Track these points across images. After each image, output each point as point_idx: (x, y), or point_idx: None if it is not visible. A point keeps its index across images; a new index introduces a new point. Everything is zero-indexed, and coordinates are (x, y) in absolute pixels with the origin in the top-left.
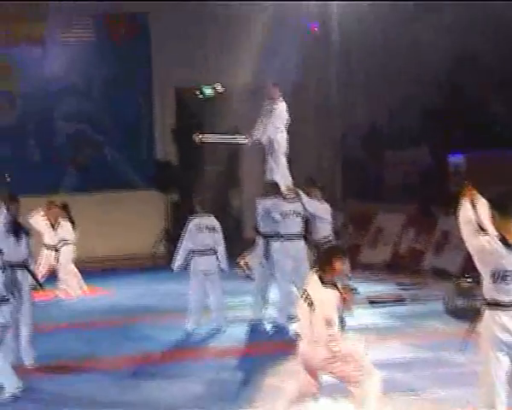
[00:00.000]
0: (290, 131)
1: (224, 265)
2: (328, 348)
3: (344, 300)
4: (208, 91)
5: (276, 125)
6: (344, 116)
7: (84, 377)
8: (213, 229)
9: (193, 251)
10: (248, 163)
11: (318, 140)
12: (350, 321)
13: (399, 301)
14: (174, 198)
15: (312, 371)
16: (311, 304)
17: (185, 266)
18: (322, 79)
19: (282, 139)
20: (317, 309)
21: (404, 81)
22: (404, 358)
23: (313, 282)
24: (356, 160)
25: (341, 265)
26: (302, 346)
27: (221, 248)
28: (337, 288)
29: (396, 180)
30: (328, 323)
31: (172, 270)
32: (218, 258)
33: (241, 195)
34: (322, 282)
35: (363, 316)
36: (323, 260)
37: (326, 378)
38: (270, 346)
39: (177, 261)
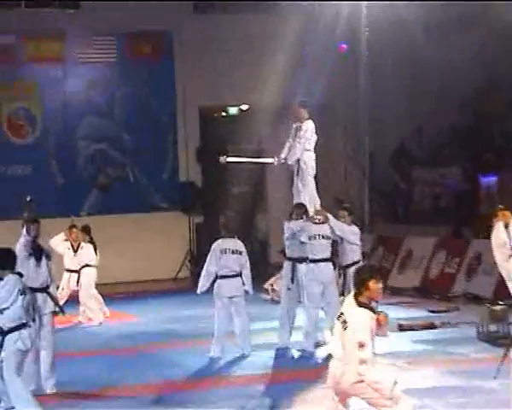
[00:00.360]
0: (317, 151)
1: (249, 288)
2: (358, 371)
3: (378, 322)
4: (233, 110)
5: (304, 145)
6: (372, 135)
7: (107, 405)
8: (238, 252)
9: (217, 275)
10: (275, 184)
11: (346, 160)
12: (379, 347)
13: (430, 327)
14: (198, 220)
15: (341, 394)
16: (344, 324)
17: (210, 290)
18: (351, 98)
19: (309, 160)
20: (349, 330)
21: (434, 99)
22: (435, 385)
23: (348, 302)
24: (384, 180)
25: (377, 285)
26: (332, 367)
27: (246, 271)
28: (372, 310)
29: (426, 201)
30: (361, 345)
31: (197, 294)
32: (243, 281)
33: (267, 217)
34: (358, 303)
35: (392, 342)
36: (358, 281)
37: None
38: (297, 373)
39: (202, 285)
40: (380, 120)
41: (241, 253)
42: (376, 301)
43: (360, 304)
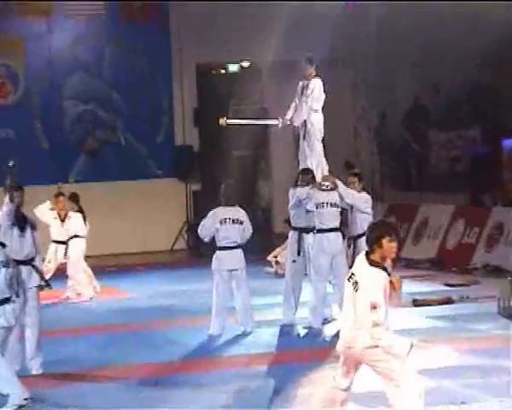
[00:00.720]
0: (325, 111)
1: (248, 234)
2: (371, 335)
3: (391, 286)
4: (233, 68)
5: (311, 105)
6: (383, 92)
7: (98, 388)
8: (239, 221)
9: (216, 247)
10: (279, 148)
11: (355, 120)
12: (392, 323)
13: (447, 302)
14: (195, 187)
15: (351, 362)
16: (355, 285)
17: (208, 262)
18: (360, 52)
19: (317, 121)
20: (361, 291)
21: (453, 53)
22: (452, 364)
23: (360, 261)
24: (397, 142)
25: (391, 244)
26: (344, 331)
27: (247, 225)
28: (385, 270)
29: (442, 166)
30: (373, 306)
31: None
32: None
33: (270, 183)
34: (370, 262)
35: (406, 318)
36: (371, 238)
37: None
38: (302, 352)
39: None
40: (392, 76)
41: (242, 222)
42: (388, 274)
43: (372, 263)
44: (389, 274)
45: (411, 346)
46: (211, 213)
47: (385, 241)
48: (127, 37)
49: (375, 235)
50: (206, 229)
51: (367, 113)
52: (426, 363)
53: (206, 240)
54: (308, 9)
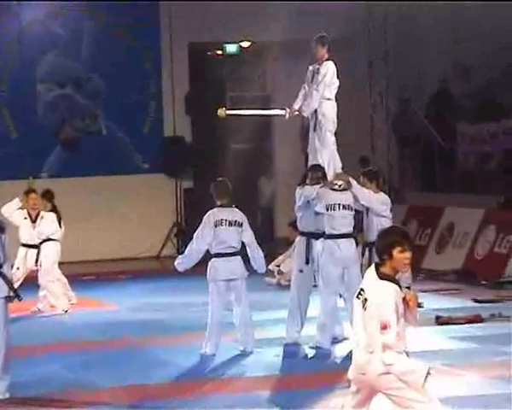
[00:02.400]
0: (338, 99)
1: (261, 265)
2: (383, 360)
3: (405, 303)
4: (231, 48)
5: (323, 92)
6: (404, 77)
7: None
8: (237, 223)
9: (213, 254)
10: (284, 141)
11: (372, 108)
12: (410, 344)
13: (475, 320)
14: (187, 185)
15: (365, 389)
16: (364, 302)
17: (200, 270)
18: (378, 32)
19: (329, 111)
20: (370, 309)
21: (484, 34)
22: (480, 393)
23: (369, 275)
24: (419, 135)
25: (403, 254)
26: (356, 355)
27: (252, 246)
28: (397, 283)
29: (471, 164)
30: (383, 326)
31: (176, 270)
32: (250, 259)
33: (273, 181)
34: (379, 275)
35: (427, 339)
36: (380, 248)
37: None
38: (309, 377)
39: (182, 261)
40: (414, 58)
41: (241, 225)
42: (408, 287)
43: (382, 276)
44: (401, 287)
45: (428, 373)
46: (205, 217)
47: (395, 251)
48: (109, 10)
49: (384, 244)
50: (203, 239)
51: (385, 100)
52: (450, 391)
53: (203, 250)
54: None
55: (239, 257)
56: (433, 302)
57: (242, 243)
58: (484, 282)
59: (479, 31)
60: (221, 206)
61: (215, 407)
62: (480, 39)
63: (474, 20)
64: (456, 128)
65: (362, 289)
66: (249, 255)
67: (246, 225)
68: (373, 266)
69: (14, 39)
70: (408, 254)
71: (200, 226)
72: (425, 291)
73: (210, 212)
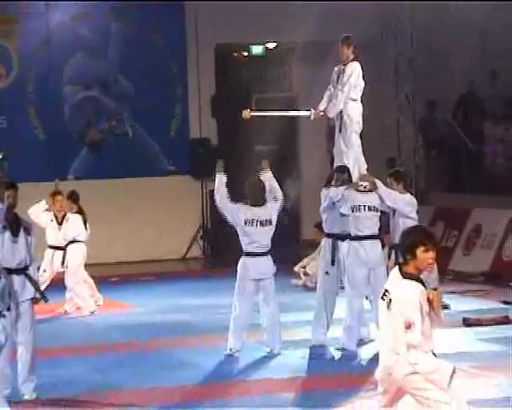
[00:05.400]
0: (364, 101)
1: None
2: (408, 360)
3: (429, 302)
4: (257, 50)
5: (349, 93)
6: (432, 79)
7: None
8: (268, 222)
9: (244, 253)
10: (310, 142)
11: (398, 111)
12: (437, 346)
13: (504, 322)
14: (213, 186)
15: (392, 390)
16: (389, 303)
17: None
18: (405, 33)
19: (354, 112)
20: (394, 308)
21: None
22: (509, 395)
23: (393, 275)
24: (447, 136)
25: (426, 254)
26: (383, 356)
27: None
28: (422, 282)
29: (499, 165)
30: (408, 325)
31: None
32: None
33: (299, 183)
34: (403, 274)
35: (455, 340)
36: (404, 247)
37: None
38: (335, 379)
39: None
40: (442, 59)
41: (271, 223)
42: (435, 289)
43: (406, 275)
44: (433, 289)
45: (454, 372)
46: (236, 206)
47: (419, 251)
48: (135, 12)
49: (408, 244)
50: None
51: (412, 102)
52: (477, 393)
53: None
54: None
55: (269, 256)
56: (461, 304)
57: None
58: None
59: (508, 33)
60: (252, 205)
61: (241, 408)
62: (509, 43)
63: (503, 22)
64: (484, 129)
65: (386, 290)
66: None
67: (274, 221)
68: (396, 266)
69: (42, 42)
70: (432, 254)
71: (230, 207)
72: (452, 293)
73: (242, 206)
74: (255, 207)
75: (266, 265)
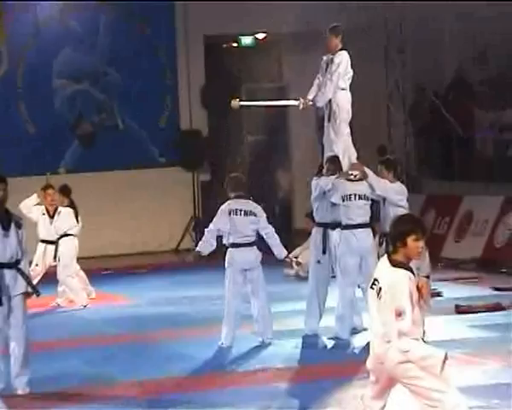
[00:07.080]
0: (353, 88)
1: (279, 251)
2: (399, 347)
3: (418, 289)
4: (247, 40)
5: (337, 82)
6: (422, 64)
7: (92, 408)
8: (252, 213)
9: (229, 244)
10: (300, 132)
11: (388, 97)
12: (429, 333)
13: (496, 308)
14: (204, 177)
15: (384, 380)
16: (379, 291)
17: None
18: (394, 19)
19: (343, 101)
20: (384, 296)
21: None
22: (501, 381)
23: (382, 263)
24: (437, 123)
25: (416, 243)
26: (374, 345)
27: (269, 232)
28: (411, 270)
29: (491, 151)
30: (398, 313)
31: (199, 253)
32: (270, 247)
33: (290, 173)
34: (392, 262)
35: (447, 327)
36: (394, 235)
37: None
38: (328, 367)
39: (204, 242)
40: (430, 46)
41: (255, 214)
42: (427, 276)
43: (395, 264)
44: (426, 277)
45: (445, 357)
46: (221, 207)
47: (410, 239)
48: (124, 4)
49: (398, 232)
50: (219, 224)
51: (401, 89)
52: (470, 380)
53: (219, 232)
54: None
55: (255, 247)
56: (453, 291)
57: (258, 234)
58: (503, 270)
59: (498, 18)
60: (236, 197)
61: (234, 398)
62: (499, 28)
63: (494, 8)
64: (474, 115)
65: (376, 279)
66: (268, 243)
67: (261, 214)
68: (385, 255)
69: (30, 35)
70: (421, 243)
71: (216, 215)
72: (444, 280)
73: (225, 203)
74: (240, 200)
75: (252, 255)
